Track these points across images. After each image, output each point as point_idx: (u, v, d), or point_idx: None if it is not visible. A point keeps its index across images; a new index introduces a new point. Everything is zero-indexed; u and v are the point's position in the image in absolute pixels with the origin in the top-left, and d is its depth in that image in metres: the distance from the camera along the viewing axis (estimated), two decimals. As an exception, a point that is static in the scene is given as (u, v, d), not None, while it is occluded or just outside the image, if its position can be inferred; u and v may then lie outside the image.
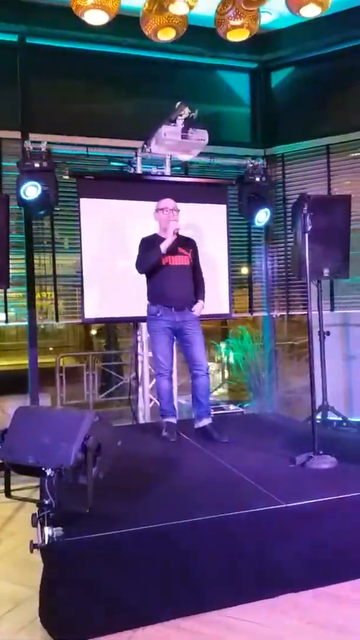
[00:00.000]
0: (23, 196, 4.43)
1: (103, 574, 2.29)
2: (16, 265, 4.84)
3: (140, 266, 3.95)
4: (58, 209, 4.82)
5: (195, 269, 4.05)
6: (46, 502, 2.32)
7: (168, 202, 4.01)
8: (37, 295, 4.99)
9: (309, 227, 3.32)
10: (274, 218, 5.43)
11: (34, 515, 2.34)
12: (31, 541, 2.30)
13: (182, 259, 3.96)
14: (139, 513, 2.53)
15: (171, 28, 3.72)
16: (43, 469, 2.30)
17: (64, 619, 2.23)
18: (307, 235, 3.33)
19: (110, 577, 2.29)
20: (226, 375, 6.03)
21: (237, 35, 3.84)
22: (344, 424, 4.43)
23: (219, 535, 2.46)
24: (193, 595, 2.39)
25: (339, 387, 4.65)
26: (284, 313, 5.61)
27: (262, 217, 5.22)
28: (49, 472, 2.30)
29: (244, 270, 5.74)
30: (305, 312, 3.42)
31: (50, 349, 9.21)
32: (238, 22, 3.68)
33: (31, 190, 4.42)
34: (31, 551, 2.28)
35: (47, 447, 2.30)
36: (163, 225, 3.97)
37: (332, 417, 4.47)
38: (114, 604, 2.28)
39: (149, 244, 3.94)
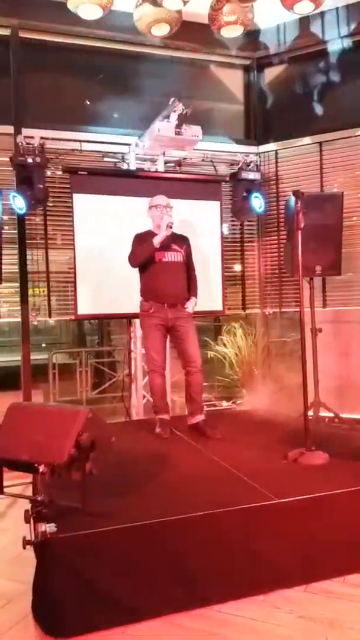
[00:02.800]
0: (17, 210, 4.44)
1: (96, 570, 2.29)
2: (9, 261, 4.82)
3: (133, 260, 3.94)
4: (51, 204, 4.80)
5: (188, 266, 4.05)
6: (39, 498, 2.31)
7: (161, 199, 4.01)
8: (30, 292, 4.97)
9: (302, 224, 3.33)
10: (266, 215, 5.44)
11: (26, 511, 2.34)
12: (24, 537, 2.30)
13: (175, 255, 3.96)
14: (132, 509, 2.54)
15: (165, 23, 3.72)
16: (36, 465, 2.30)
17: (57, 615, 2.24)
18: (300, 232, 3.34)
19: (103, 573, 2.30)
20: (219, 372, 6.03)
21: (231, 31, 3.85)
22: (336, 420, 4.45)
23: (212, 531, 2.47)
24: (186, 591, 2.40)
25: (331, 383, 4.67)
26: (277, 310, 5.62)
27: (257, 203, 5.20)
28: (42, 468, 2.30)
29: (237, 267, 5.75)
30: (298, 309, 3.42)
31: (43, 345, 9.17)
32: (232, 18, 3.68)
33: (19, 202, 4.41)
34: (24, 547, 2.28)
35: (40, 444, 2.29)
36: (156, 221, 3.97)
37: (324, 413, 4.49)
38: (107, 600, 2.28)
39: (143, 239, 3.93)
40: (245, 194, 5.17)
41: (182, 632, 2.24)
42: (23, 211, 4.47)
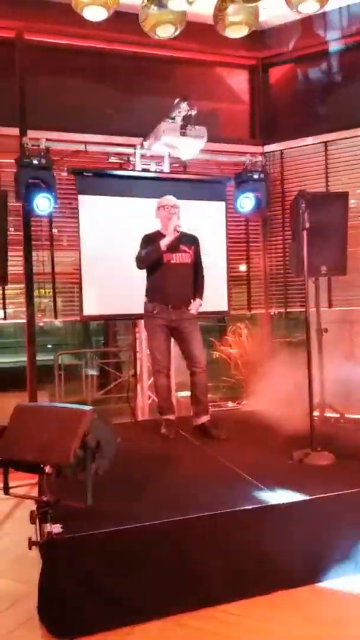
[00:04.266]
0: (37, 211, 4.55)
1: (101, 570, 2.29)
2: (14, 263, 4.84)
3: (140, 262, 3.94)
4: (56, 205, 4.82)
5: (196, 266, 4.04)
6: (45, 499, 2.32)
7: (169, 200, 4.00)
8: (36, 293, 4.99)
9: (307, 224, 3.32)
10: (272, 215, 5.43)
11: (32, 512, 2.35)
12: (29, 538, 2.30)
13: (183, 257, 3.95)
14: (137, 510, 2.54)
15: (170, 24, 3.71)
16: (42, 465, 2.30)
17: (62, 616, 2.24)
18: (305, 232, 3.33)
19: (109, 573, 2.30)
20: (224, 372, 6.03)
21: (236, 32, 3.83)
22: (342, 420, 4.43)
23: (218, 532, 2.47)
24: (191, 591, 2.39)
25: (337, 383, 4.65)
26: (282, 310, 5.61)
27: (246, 203, 5.20)
28: (47, 469, 2.30)
29: (242, 267, 5.74)
30: (303, 309, 3.42)
31: (49, 346, 9.21)
32: (237, 19, 3.67)
33: (43, 202, 4.47)
34: (30, 548, 2.29)
35: (46, 444, 2.30)
36: (164, 222, 3.96)
37: (329, 413, 4.48)
38: (113, 600, 2.29)
39: (151, 240, 3.93)
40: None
41: (188, 632, 2.24)
42: (47, 212, 4.55)
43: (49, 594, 2.28)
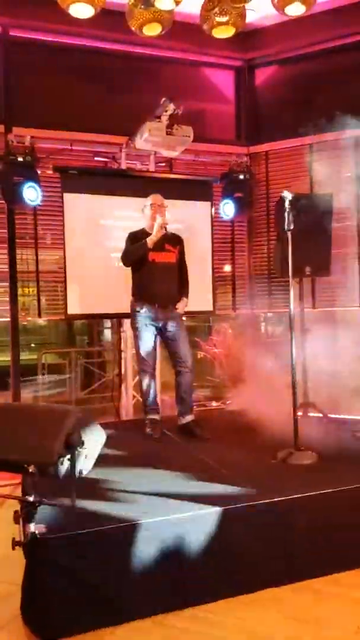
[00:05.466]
0: (28, 201, 4.42)
1: (85, 570, 2.28)
2: (-2, 261, 4.82)
3: (126, 259, 3.93)
4: (41, 203, 4.78)
5: (181, 266, 4.05)
6: (28, 499, 2.30)
7: (156, 198, 4.00)
8: (19, 291, 4.95)
9: (292, 226, 3.34)
10: (257, 215, 5.46)
11: (16, 512, 2.32)
12: (13, 538, 2.28)
13: (168, 256, 3.95)
14: (121, 509, 2.53)
15: (157, 23, 3.71)
16: (25, 465, 2.28)
17: (46, 617, 2.22)
18: (289, 233, 3.35)
19: (93, 573, 2.29)
20: (209, 372, 6.05)
21: (223, 32, 3.84)
22: (325, 420, 4.47)
23: (200, 531, 2.47)
24: (175, 591, 2.40)
25: (320, 384, 4.69)
26: (266, 310, 5.65)
27: (229, 209, 5.23)
28: (31, 468, 2.29)
29: (227, 268, 5.76)
30: (287, 310, 3.44)
31: (32, 345, 9.14)
32: (224, 19, 3.68)
33: (31, 193, 4.41)
34: (13, 548, 2.26)
35: (29, 444, 2.28)
36: (151, 221, 3.96)
37: (313, 413, 4.51)
38: (97, 601, 2.28)
39: (137, 238, 3.92)
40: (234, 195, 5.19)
41: (171, 632, 2.24)
42: (35, 202, 4.53)
43: (32, 595, 2.26)
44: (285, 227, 3.35)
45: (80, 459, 2.35)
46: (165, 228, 3.85)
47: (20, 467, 2.32)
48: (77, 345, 8.73)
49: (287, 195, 3.35)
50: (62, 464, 2.27)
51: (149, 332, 3.96)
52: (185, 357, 3.97)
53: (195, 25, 4.08)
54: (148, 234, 3.88)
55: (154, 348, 4.03)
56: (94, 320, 6.94)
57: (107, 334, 7.43)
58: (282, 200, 3.59)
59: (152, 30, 3.78)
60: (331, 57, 5.38)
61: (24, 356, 5.26)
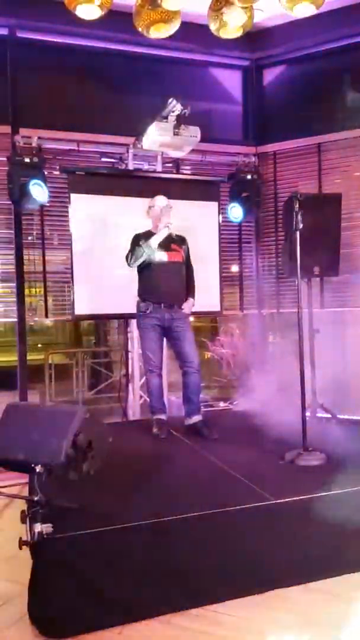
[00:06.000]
0: (34, 196, 4.40)
1: (93, 570, 2.28)
2: (5, 262, 4.82)
3: (130, 260, 3.93)
4: (48, 204, 4.79)
5: (187, 266, 4.05)
6: (35, 498, 2.30)
7: (161, 200, 4.00)
8: (27, 292, 4.96)
9: (300, 226, 3.33)
10: (264, 216, 5.44)
11: (23, 511, 2.33)
12: (20, 538, 2.28)
13: (174, 256, 3.95)
14: (128, 509, 2.53)
15: (164, 24, 3.69)
16: (33, 465, 2.29)
17: (53, 616, 2.22)
18: (298, 233, 3.34)
19: (100, 573, 2.29)
20: (216, 372, 6.04)
21: (231, 33, 3.83)
22: (333, 420, 4.44)
23: (209, 532, 2.47)
24: (183, 591, 2.39)
25: (329, 384, 4.66)
26: (275, 311, 5.62)
27: (236, 212, 5.21)
28: (38, 468, 2.29)
29: (235, 268, 5.75)
30: (295, 310, 3.42)
31: (39, 345, 9.17)
32: (231, 19, 3.67)
33: (37, 190, 4.39)
34: (20, 548, 2.27)
35: (37, 443, 2.29)
36: (156, 222, 3.95)
37: (321, 414, 4.49)
38: (104, 600, 2.27)
39: (142, 239, 3.92)
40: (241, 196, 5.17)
41: (179, 632, 2.23)
42: (42, 200, 4.46)
43: (39, 594, 2.26)
44: (294, 227, 3.33)
45: (87, 459, 2.35)
46: (169, 228, 3.85)
47: (27, 467, 2.33)
48: (83, 345, 8.75)
49: (297, 196, 3.33)
50: (69, 463, 2.28)
51: (155, 332, 3.95)
52: (192, 358, 3.96)
53: (202, 25, 4.07)
54: (153, 235, 3.88)
55: (160, 348, 4.02)
56: (101, 321, 6.95)
57: (114, 334, 7.44)
58: (290, 200, 3.58)
59: (160, 30, 3.77)
60: (339, 56, 5.35)
61: (31, 356, 5.26)
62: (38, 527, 2.25)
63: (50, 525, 2.26)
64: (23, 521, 2.33)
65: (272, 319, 5.73)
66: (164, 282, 3.89)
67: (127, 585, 2.32)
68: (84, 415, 2.37)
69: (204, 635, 2.22)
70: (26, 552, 2.31)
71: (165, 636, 2.21)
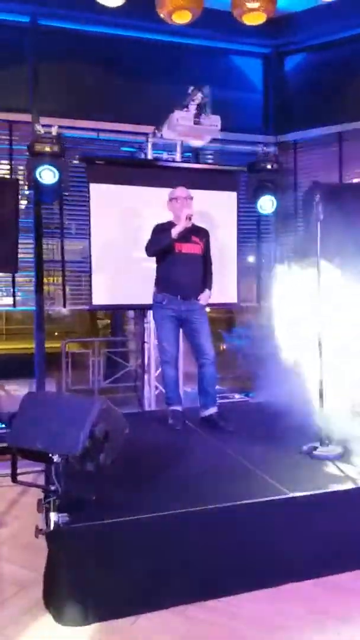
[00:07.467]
0: (39, 178, 4.37)
1: (108, 560, 2.30)
2: (24, 250, 4.84)
3: (150, 249, 3.90)
4: (67, 193, 4.79)
5: (205, 259, 4.02)
6: (52, 488, 2.32)
7: (181, 191, 3.96)
8: (44, 280, 4.98)
9: (321, 216, 3.28)
10: (283, 206, 5.38)
11: (39, 500, 2.35)
12: (37, 526, 2.31)
13: (194, 247, 3.92)
14: (144, 500, 2.53)
15: (186, 10, 3.65)
16: (50, 455, 2.30)
17: (68, 604, 2.24)
18: (319, 224, 3.29)
19: (115, 563, 2.30)
20: (232, 363, 6.02)
21: (254, 19, 3.78)
22: (351, 413, 4.41)
23: (224, 524, 2.47)
24: (197, 582, 2.40)
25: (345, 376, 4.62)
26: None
27: (267, 204, 5.15)
28: (56, 458, 2.30)
29: (252, 259, 5.70)
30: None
31: (55, 333, 9.23)
32: (255, 5, 3.61)
33: (47, 175, 4.36)
34: (36, 536, 2.29)
35: (55, 434, 2.29)
36: (177, 213, 3.91)
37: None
38: (119, 590, 2.29)
39: (163, 229, 3.89)
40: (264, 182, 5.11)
41: (192, 623, 2.25)
42: (46, 182, 4.40)
43: (54, 582, 2.29)
44: (314, 217, 3.29)
45: (104, 450, 2.35)
46: (191, 220, 3.81)
47: (44, 456, 2.34)
48: (99, 333, 8.77)
49: (317, 185, 3.28)
50: (86, 454, 2.29)
51: (172, 323, 3.93)
52: (208, 349, 3.94)
53: (223, 12, 4.02)
54: (174, 226, 3.84)
55: (176, 339, 4.00)
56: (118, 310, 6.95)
57: (131, 323, 7.44)
58: (310, 190, 3.53)
59: (182, 17, 3.73)
60: (361, 42, 5.25)
61: (47, 344, 5.28)
62: (54, 517, 2.27)
63: (66, 515, 2.28)
64: (39, 510, 2.35)
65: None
66: (181, 274, 3.86)
67: (141, 575, 2.33)
68: (102, 406, 2.37)
69: (218, 626, 2.23)
70: (42, 539, 2.33)
71: (179, 627, 2.22)
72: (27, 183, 4.56)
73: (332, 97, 5.41)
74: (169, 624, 2.24)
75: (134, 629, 2.21)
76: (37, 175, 4.36)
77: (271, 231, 5.67)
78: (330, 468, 2.99)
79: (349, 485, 2.71)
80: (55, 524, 2.26)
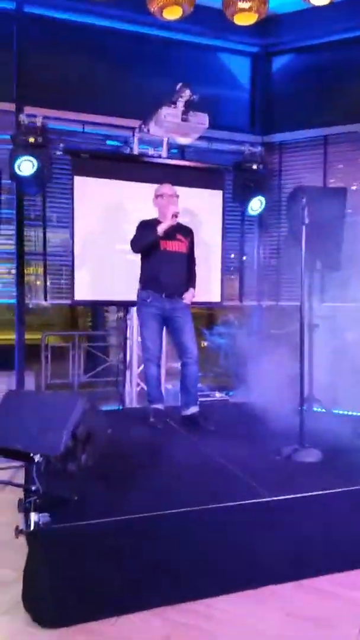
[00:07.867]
0: (17, 171, 4.32)
1: (88, 561, 2.28)
2: (5, 241, 4.77)
3: (135, 245, 3.88)
4: (50, 185, 4.72)
5: (190, 257, 4.01)
6: (33, 488, 2.30)
7: (167, 188, 3.94)
8: (25, 272, 4.92)
9: (307, 220, 3.29)
10: (267, 206, 5.39)
11: (20, 500, 2.32)
12: (17, 526, 2.28)
13: (179, 246, 3.91)
14: (125, 501, 2.53)
15: (178, 6, 3.62)
16: (31, 455, 2.28)
17: (47, 605, 2.23)
18: (304, 227, 3.31)
19: (95, 564, 2.29)
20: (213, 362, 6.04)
21: (245, 19, 3.76)
22: (329, 416, 4.46)
23: (203, 526, 2.47)
24: (176, 584, 2.40)
25: (325, 379, 4.67)
26: (274, 303, 5.61)
27: (256, 205, 5.17)
28: (37, 458, 2.28)
29: (235, 258, 5.71)
30: (296, 303, 3.41)
31: (35, 326, 9.10)
32: (246, 5, 3.60)
33: (26, 166, 4.31)
34: (16, 537, 2.27)
35: (36, 433, 2.27)
36: (163, 210, 3.89)
37: (317, 409, 4.50)
38: (98, 591, 2.28)
39: (148, 226, 3.87)
40: (249, 183, 5.11)
41: (169, 624, 2.24)
42: (24, 174, 4.37)
43: (34, 583, 2.27)
44: (300, 221, 3.30)
45: (86, 450, 2.34)
46: (177, 218, 3.80)
47: (25, 456, 2.32)
48: (80, 327, 8.67)
49: (303, 189, 3.29)
50: (67, 455, 2.27)
51: (155, 321, 3.93)
52: (191, 348, 3.94)
53: (213, 9, 3.99)
54: (160, 223, 3.83)
55: (160, 337, 4.00)
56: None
57: (112, 318, 7.39)
58: (295, 192, 3.54)
59: (173, 13, 3.70)
60: (350, 46, 5.27)
61: (26, 336, 5.22)
62: (35, 517, 2.24)
63: (47, 515, 2.26)
64: (20, 510, 2.32)
65: (270, 311, 5.71)
66: (166, 272, 3.85)
67: (120, 576, 2.32)
68: (85, 406, 2.35)
69: (194, 629, 2.23)
70: (22, 538, 2.30)
71: (158, 628, 2.22)
72: (9, 173, 4.48)
73: (318, 99, 5.42)
74: (149, 626, 2.24)
75: (114, 630, 2.21)
76: (16, 168, 4.30)
77: (254, 230, 5.68)
78: (309, 471, 3.01)
79: (326, 490, 2.73)
80: (36, 524, 2.23)
